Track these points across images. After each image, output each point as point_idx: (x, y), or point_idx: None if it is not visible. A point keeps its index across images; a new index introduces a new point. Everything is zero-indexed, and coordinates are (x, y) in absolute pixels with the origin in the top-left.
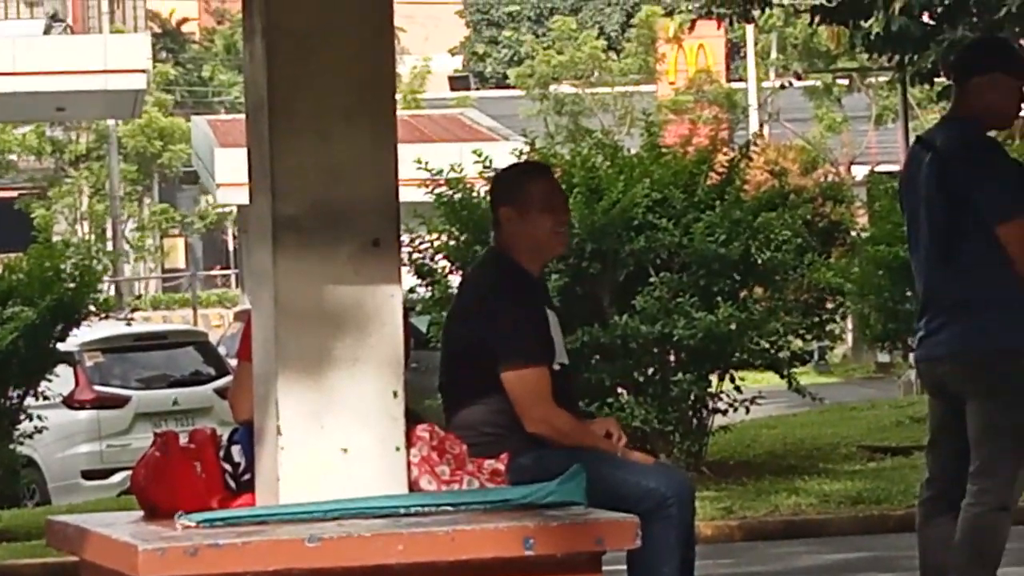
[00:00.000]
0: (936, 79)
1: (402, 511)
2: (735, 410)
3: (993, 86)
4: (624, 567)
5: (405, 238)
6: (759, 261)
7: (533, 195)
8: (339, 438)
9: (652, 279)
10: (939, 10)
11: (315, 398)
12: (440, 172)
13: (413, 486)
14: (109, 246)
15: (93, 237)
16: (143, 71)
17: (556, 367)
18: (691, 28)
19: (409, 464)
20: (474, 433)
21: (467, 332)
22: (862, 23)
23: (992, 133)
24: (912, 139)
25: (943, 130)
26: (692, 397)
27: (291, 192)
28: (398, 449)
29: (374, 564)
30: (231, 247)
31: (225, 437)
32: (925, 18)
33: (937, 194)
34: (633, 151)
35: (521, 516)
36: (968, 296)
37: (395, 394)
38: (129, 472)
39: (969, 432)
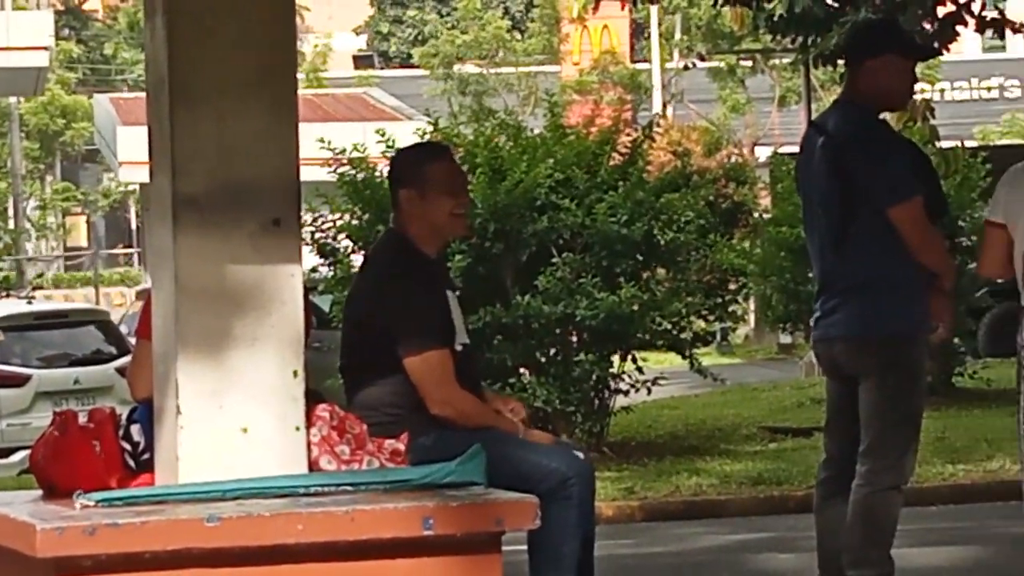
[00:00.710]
0: (839, 61)
1: (302, 491)
2: (637, 391)
3: (886, 68)
4: (525, 547)
5: (308, 217)
6: (662, 242)
7: (433, 177)
8: (239, 417)
9: (555, 259)
10: None
11: (215, 377)
12: (343, 151)
13: (313, 466)
14: (11, 224)
15: None
16: (45, 48)
17: (458, 348)
18: (595, 8)
19: (309, 444)
20: (375, 414)
21: (366, 315)
22: (765, 4)
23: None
24: None
25: (836, 113)
26: (594, 378)
27: (191, 171)
28: (298, 429)
29: (273, 544)
30: (134, 226)
31: (125, 416)
32: (828, 0)
33: (830, 178)
34: (537, 131)
35: (420, 496)
36: (862, 279)
37: (295, 373)
38: (29, 451)
39: (860, 412)
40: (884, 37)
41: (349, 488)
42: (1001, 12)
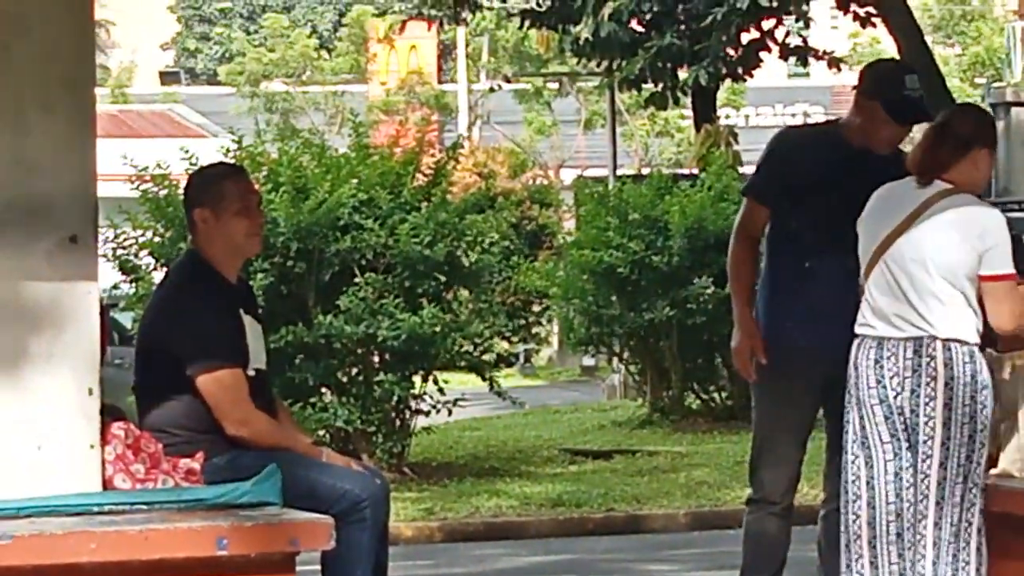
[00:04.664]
0: (644, 85)
1: (95, 509)
2: (438, 412)
3: (869, 110)
4: (319, 567)
5: (109, 234)
6: (465, 263)
7: (228, 197)
8: (33, 435)
9: (357, 279)
10: (647, 17)
11: (9, 394)
12: (146, 168)
13: (107, 484)
14: None
15: None
16: None
17: (251, 373)
18: (402, 29)
19: (104, 462)
20: (167, 435)
21: (158, 333)
22: (572, 28)
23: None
24: (619, 143)
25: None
26: (395, 398)
27: None
28: (92, 447)
29: (66, 563)
30: None
31: None
32: (634, 24)
33: None
34: (343, 151)
35: (215, 516)
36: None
37: (90, 391)
38: None
39: None
40: (882, 85)
41: (143, 507)
42: (804, 40)
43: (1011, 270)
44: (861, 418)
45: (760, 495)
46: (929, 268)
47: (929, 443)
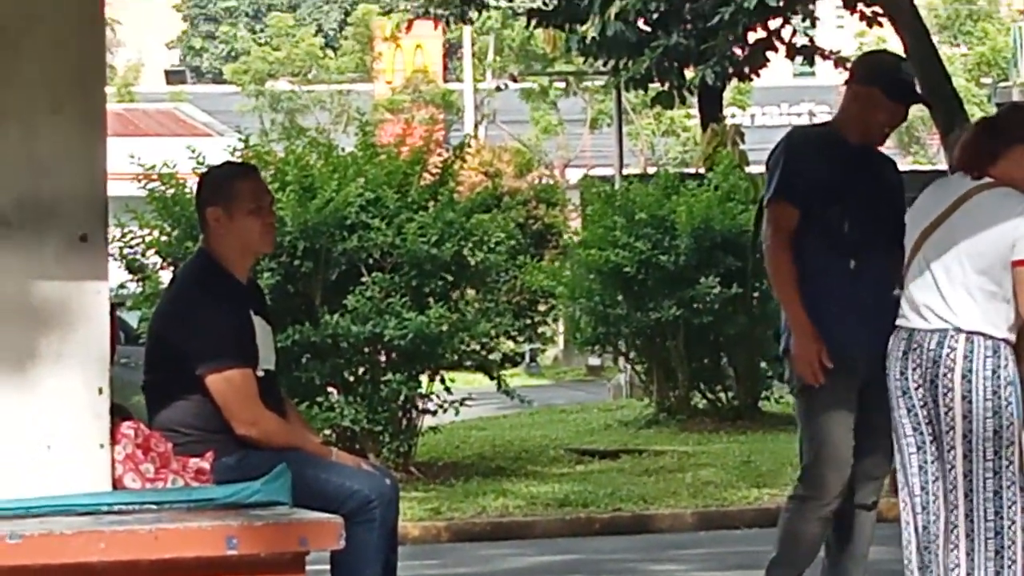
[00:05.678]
0: (650, 84)
1: (105, 509)
2: (445, 411)
3: (865, 99)
4: (328, 568)
5: (116, 233)
6: (472, 263)
7: (241, 197)
8: (43, 434)
9: (364, 279)
10: (654, 16)
11: (19, 394)
12: (153, 167)
13: (117, 484)
14: None
15: None
16: None
17: (260, 373)
18: (408, 28)
19: (113, 461)
20: (176, 434)
21: (168, 332)
22: (578, 27)
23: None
24: (625, 143)
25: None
26: (402, 397)
27: None
28: (102, 446)
29: (75, 562)
30: None
31: None
32: (640, 24)
33: None
34: (349, 150)
35: (225, 515)
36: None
37: (100, 390)
38: None
39: None
40: (878, 71)
41: (153, 506)
42: (811, 39)
43: None
44: (892, 409)
45: (813, 493)
46: (963, 260)
47: (951, 434)
